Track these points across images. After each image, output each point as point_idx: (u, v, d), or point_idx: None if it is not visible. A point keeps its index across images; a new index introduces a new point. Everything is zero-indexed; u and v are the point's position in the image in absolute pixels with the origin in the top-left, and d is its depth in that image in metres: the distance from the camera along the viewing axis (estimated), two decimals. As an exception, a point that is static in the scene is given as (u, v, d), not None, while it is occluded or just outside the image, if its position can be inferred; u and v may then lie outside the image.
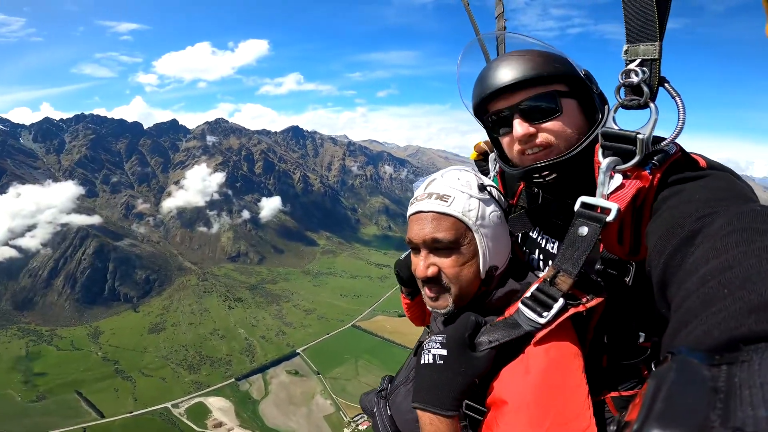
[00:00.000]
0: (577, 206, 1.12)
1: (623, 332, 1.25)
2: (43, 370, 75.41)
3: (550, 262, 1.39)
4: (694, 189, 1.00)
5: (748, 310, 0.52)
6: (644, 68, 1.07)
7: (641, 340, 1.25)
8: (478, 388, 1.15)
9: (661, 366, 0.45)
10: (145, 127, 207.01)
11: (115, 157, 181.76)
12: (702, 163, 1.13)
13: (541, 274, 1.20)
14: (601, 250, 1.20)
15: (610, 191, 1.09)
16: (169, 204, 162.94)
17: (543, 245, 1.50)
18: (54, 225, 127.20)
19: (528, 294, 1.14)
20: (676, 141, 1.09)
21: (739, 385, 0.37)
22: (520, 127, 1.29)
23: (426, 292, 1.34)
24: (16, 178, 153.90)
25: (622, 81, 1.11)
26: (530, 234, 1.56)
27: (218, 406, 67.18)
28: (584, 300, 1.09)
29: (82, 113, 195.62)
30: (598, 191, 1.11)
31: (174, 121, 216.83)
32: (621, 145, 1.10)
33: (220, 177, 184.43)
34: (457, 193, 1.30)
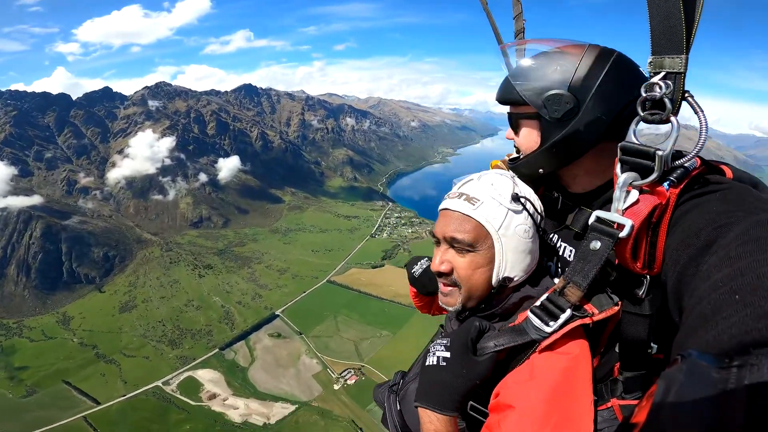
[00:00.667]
0: (591, 220, 1.13)
1: (636, 344, 1.25)
2: (24, 363, 73.78)
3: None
4: (711, 201, 1.00)
5: (759, 315, 0.53)
6: (668, 81, 1.05)
7: (654, 351, 1.25)
8: (481, 390, 1.20)
9: (670, 368, 0.45)
10: (74, 97, 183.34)
11: (44, 131, 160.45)
12: (728, 173, 1.11)
13: (557, 281, 1.23)
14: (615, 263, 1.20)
15: (625, 206, 1.08)
16: (115, 175, 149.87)
17: (561, 252, 1.51)
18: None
19: (538, 303, 1.18)
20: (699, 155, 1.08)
21: (748, 387, 0.37)
22: (508, 132, 1.54)
23: (440, 285, 1.41)
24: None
25: (645, 94, 1.09)
26: (548, 240, 1.56)
27: (208, 377, 68.54)
28: (592, 312, 1.12)
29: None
30: (613, 206, 1.11)
31: (107, 89, 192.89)
32: (640, 160, 1.08)
33: (169, 141, 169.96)
34: (487, 199, 1.32)
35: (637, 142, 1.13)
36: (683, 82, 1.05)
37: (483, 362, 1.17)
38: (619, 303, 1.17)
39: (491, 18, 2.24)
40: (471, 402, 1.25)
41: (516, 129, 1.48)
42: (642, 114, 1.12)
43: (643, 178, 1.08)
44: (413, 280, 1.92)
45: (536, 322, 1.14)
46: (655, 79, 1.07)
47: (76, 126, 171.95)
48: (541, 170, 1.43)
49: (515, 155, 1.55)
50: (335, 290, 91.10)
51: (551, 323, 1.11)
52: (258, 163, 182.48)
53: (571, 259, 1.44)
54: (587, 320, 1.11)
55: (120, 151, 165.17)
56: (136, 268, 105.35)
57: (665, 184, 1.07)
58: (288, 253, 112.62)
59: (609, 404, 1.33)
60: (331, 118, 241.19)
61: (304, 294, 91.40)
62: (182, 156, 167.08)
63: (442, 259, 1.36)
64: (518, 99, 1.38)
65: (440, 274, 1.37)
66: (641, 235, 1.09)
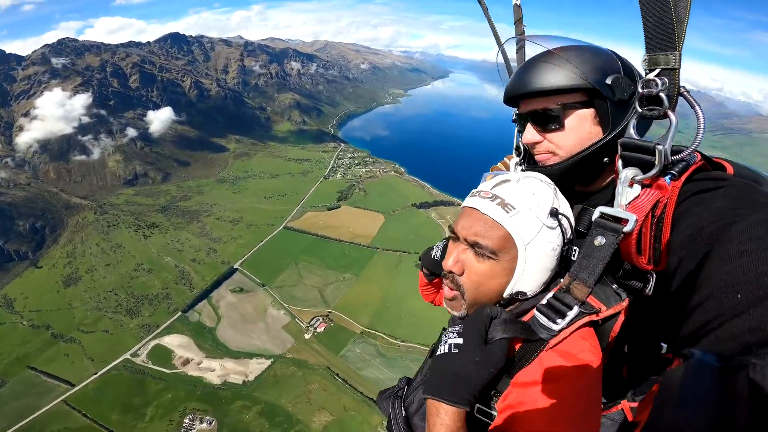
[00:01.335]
0: (594, 216, 1.13)
1: (644, 343, 1.25)
2: (-23, 353, 69.88)
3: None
4: (714, 198, 0.99)
5: (762, 314, 0.54)
6: (664, 78, 1.06)
7: (663, 351, 1.23)
8: (491, 387, 1.14)
9: (672, 367, 0.45)
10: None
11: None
12: (729, 169, 1.12)
13: (561, 280, 1.21)
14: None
15: (628, 201, 1.09)
16: (25, 139, 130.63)
17: (565, 252, 1.52)
18: None
19: (544, 301, 1.15)
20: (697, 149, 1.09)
21: (751, 387, 0.38)
22: (529, 133, 1.38)
23: (446, 287, 1.32)
24: None
25: (642, 91, 1.10)
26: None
27: (177, 343, 67.00)
28: (600, 309, 1.10)
29: None
30: (616, 201, 1.12)
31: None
32: (640, 155, 1.10)
33: (84, 98, 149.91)
34: (524, 209, 1.21)
35: (636, 137, 1.14)
36: (678, 77, 1.06)
37: (496, 350, 1.10)
38: (627, 299, 1.15)
39: (492, 23, 2.40)
40: (477, 404, 1.15)
41: (552, 124, 1.33)
42: (641, 110, 1.13)
43: (644, 173, 1.09)
44: (430, 264, 1.81)
45: (543, 320, 1.11)
46: (651, 76, 1.08)
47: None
48: (606, 159, 1.32)
49: (546, 153, 1.40)
50: (293, 236, 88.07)
51: (559, 321, 1.08)
52: (194, 112, 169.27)
53: (575, 258, 1.39)
54: (595, 317, 1.10)
55: (26, 114, 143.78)
56: (71, 236, 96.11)
57: (666, 177, 1.07)
58: (239, 203, 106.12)
59: (619, 406, 1.31)
60: (274, 63, 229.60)
61: (261, 243, 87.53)
62: (102, 112, 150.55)
63: (458, 258, 1.27)
64: (574, 85, 1.26)
65: (449, 274, 1.29)
66: (645, 230, 1.09)
